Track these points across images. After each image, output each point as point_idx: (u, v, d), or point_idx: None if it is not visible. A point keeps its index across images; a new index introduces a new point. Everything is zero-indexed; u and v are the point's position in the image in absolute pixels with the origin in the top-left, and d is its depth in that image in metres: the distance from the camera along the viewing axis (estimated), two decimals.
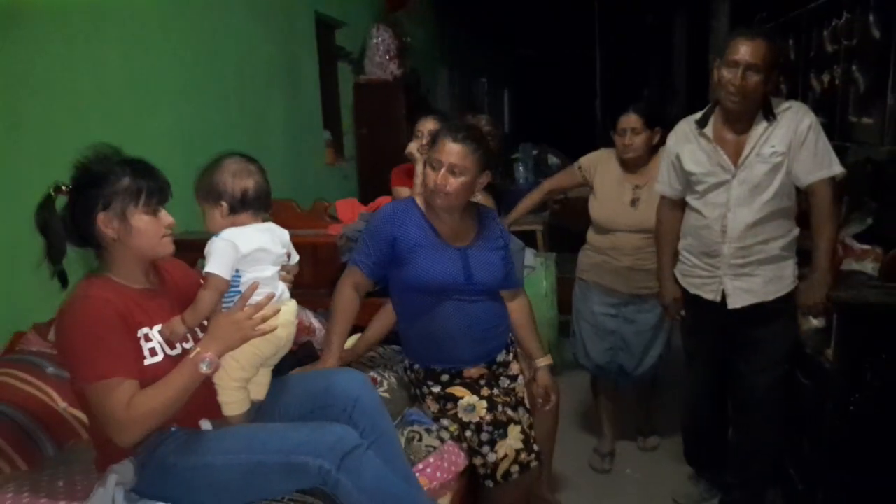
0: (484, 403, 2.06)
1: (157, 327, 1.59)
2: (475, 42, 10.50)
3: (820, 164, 2.21)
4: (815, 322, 2.39)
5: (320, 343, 2.50)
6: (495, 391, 2.13)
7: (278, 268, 1.68)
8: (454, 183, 1.97)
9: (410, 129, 3.19)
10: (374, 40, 5.55)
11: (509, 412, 2.07)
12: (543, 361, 2.25)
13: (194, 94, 3.36)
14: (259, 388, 1.69)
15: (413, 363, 2.20)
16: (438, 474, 1.94)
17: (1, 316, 2.18)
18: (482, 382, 2.13)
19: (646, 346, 2.97)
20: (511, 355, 2.23)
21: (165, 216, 1.60)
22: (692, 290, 2.47)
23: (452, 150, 1.96)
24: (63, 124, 2.47)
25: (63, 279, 1.55)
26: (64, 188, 1.56)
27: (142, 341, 1.55)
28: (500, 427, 2.03)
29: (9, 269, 2.24)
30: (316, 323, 2.69)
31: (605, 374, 3.09)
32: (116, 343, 1.48)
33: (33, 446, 1.77)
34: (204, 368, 1.53)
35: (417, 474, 1.84)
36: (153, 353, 1.55)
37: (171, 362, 1.56)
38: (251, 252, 1.61)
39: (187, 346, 1.62)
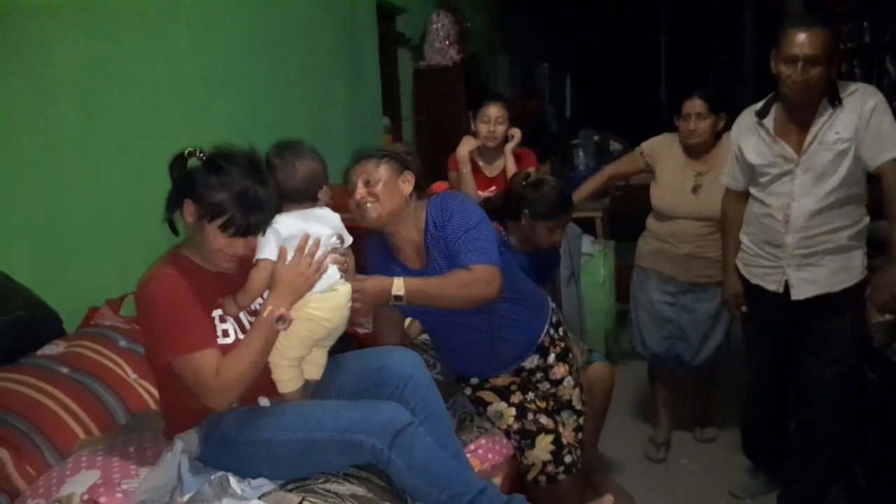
0: (512, 411, 2.04)
1: None
2: (536, 27, 10.36)
3: (884, 144, 2.11)
4: (887, 315, 2.30)
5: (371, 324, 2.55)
6: (529, 396, 2.08)
7: (327, 249, 1.71)
8: (374, 191, 1.85)
9: (469, 116, 3.21)
10: (434, 25, 5.55)
11: (542, 420, 2.04)
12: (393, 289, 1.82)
13: (260, 82, 3.45)
14: (315, 369, 1.74)
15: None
16: (490, 455, 1.96)
17: (80, 292, 2.30)
18: (513, 388, 2.09)
19: (704, 336, 2.92)
20: (551, 357, 2.12)
21: (237, 245, 1.58)
22: (753, 280, 2.41)
23: (360, 169, 1.89)
24: (137, 112, 2.58)
25: (172, 228, 1.64)
26: (198, 153, 1.59)
27: (216, 321, 1.62)
28: (527, 437, 2.02)
29: (87, 249, 2.36)
30: None
31: (662, 363, 3.06)
32: (198, 317, 1.57)
33: (106, 413, 1.87)
34: (280, 325, 1.59)
35: (469, 455, 1.87)
36: (226, 334, 1.62)
37: None
38: (290, 235, 1.66)
39: None
